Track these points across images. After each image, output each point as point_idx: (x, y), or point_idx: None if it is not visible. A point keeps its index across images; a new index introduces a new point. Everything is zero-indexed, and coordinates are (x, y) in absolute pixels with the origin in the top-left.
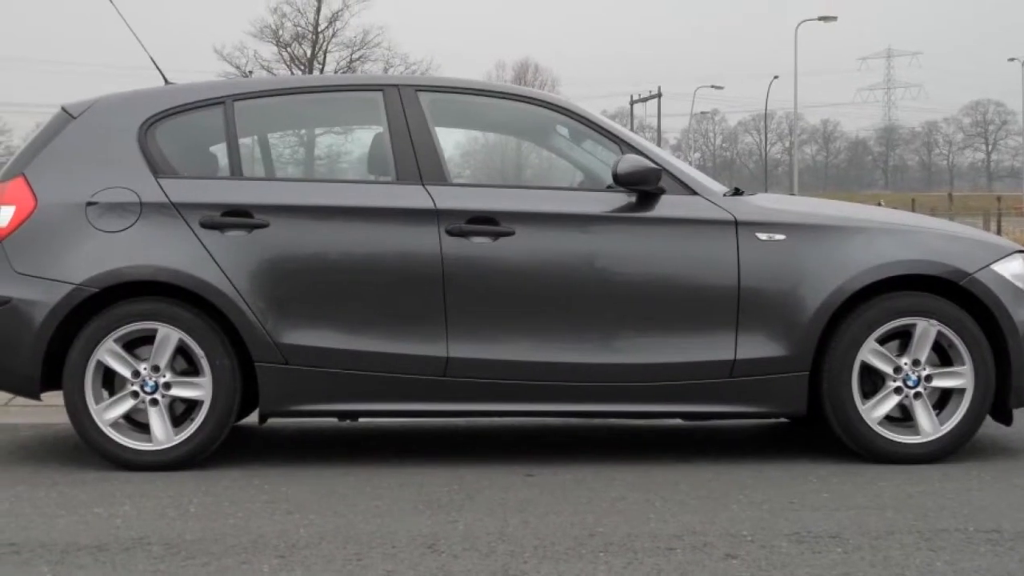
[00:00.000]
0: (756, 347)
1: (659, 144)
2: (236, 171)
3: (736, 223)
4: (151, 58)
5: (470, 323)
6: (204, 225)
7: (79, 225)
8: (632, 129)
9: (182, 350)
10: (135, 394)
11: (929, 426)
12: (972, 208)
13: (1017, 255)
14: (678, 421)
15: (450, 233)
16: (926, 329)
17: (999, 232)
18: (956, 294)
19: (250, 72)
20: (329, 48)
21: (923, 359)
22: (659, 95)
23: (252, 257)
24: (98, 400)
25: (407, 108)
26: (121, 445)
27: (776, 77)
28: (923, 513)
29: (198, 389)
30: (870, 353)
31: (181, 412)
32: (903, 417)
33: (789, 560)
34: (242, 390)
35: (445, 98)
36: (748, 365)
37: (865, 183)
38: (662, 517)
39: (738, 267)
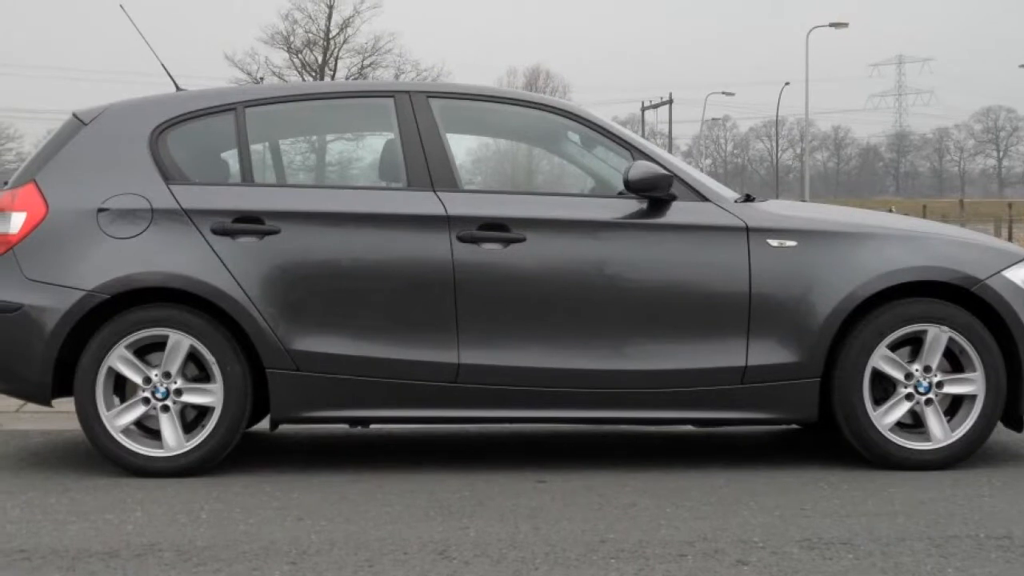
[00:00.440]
0: (767, 353)
1: (670, 150)
2: (247, 177)
3: (747, 229)
4: (162, 64)
5: (481, 329)
6: (215, 231)
7: (90, 231)
8: (643, 135)
9: (193, 356)
10: (146, 400)
11: (940, 432)
12: (983, 214)
13: None
14: (689, 427)
15: (461, 239)
16: (937, 335)
17: (1010, 238)
18: (967, 300)
19: (261, 78)
20: (340, 54)
21: (934, 365)
22: (670, 101)
23: (263, 263)
24: (109, 406)
25: (418, 114)
26: (132, 451)
27: (787, 83)
28: (934, 519)
29: (209, 395)
30: (881, 359)
31: (192, 418)
32: (914, 423)
33: (800, 566)
34: (253, 396)
35: (456, 104)
36: (759, 371)
37: (876, 189)
38: (673, 523)
39: (749, 273)
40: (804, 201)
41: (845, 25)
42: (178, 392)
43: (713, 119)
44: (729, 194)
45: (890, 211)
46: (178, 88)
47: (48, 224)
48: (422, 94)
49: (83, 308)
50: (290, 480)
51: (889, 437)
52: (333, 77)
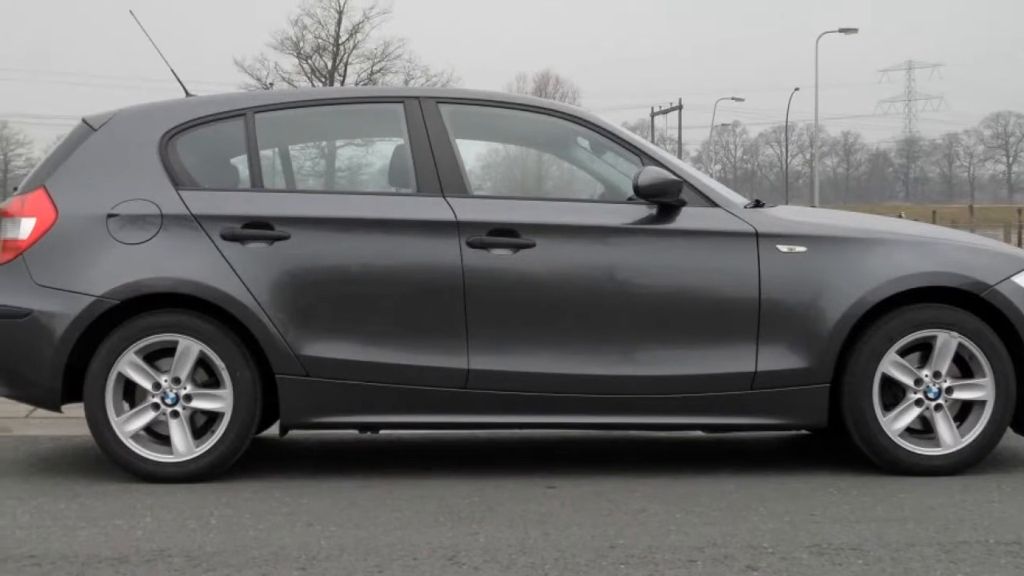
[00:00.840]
0: (777, 359)
1: (680, 156)
2: (257, 183)
3: (757, 235)
4: (172, 70)
5: (491, 335)
6: (225, 237)
7: (100, 237)
8: (653, 141)
9: (203, 362)
10: (156, 406)
11: (950, 438)
12: (993, 220)
13: None
14: (699, 433)
15: (471, 245)
16: (947, 341)
17: (1020, 244)
18: (977, 306)
19: (271, 84)
20: (350, 60)
21: (944, 371)
22: (680, 107)
23: (273, 269)
24: (119, 412)
25: (428, 120)
26: (142, 457)
27: (797, 89)
28: (944, 525)
29: (219, 401)
30: (891, 365)
31: (202, 424)
32: (924, 429)
33: (810, 572)
34: (263, 402)
35: (466, 110)
36: (769, 377)
37: (886, 195)
38: (683, 529)
39: (759, 279)
40: (814, 207)
41: (855, 31)
42: (188, 398)
43: (723, 124)
44: (739, 200)
45: (900, 217)
46: (188, 94)
47: (58, 230)
48: (432, 99)
49: (93, 314)
50: (300, 486)
51: (899, 443)
52: (343, 82)
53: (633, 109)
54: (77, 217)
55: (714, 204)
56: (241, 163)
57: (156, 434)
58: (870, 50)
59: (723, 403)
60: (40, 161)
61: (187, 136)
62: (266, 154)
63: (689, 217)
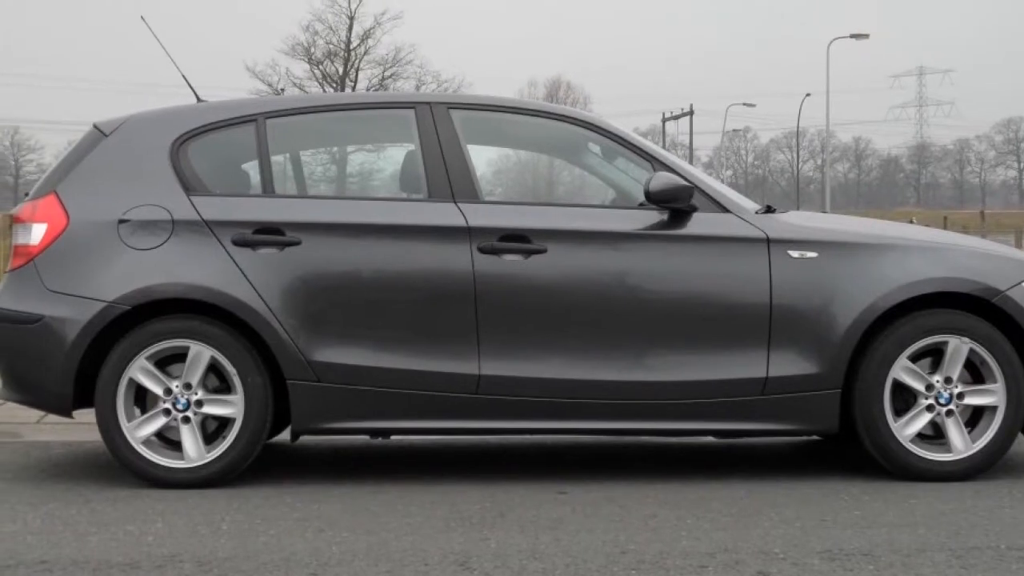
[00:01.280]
0: (788, 365)
1: (691, 162)
2: (268, 189)
3: (768, 240)
4: (183, 76)
5: (502, 341)
6: (236, 243)
7: (111, 243)
8: (664, 147)
9: (214, 368)
10: (167, 412)
11: (961, 444)
12: (1004, 226)
13: None
14: (710, 439)
15: (482, 251)
16: (958, 347)
17: None
18: (988, 312)
19: (282, 90)
20: (361, 66)
21: (955, 377)
22: (691, 113)
23: (284, 275)
24: (130, 418)
25: (439, 126)
26: (153, 463)
27: (808, 95)
28: (955, 531)
29: (230, 407)
30: (902, 371)
31: (213, 430)
32: (935, 435)
33: None
34: (274, 408)
35: (477, 116)
36: (780, 383)
37: (897, 201)
38: (694, 535)
39: (770, 284)
40: (825, 212)
41: (866, 36)
42: (199, 403)
43: (734, 130)
44: (750, 205)
45: (911, 222)
46: (199, 99)
47: (69, 235)
48: (443, 105)
49: (104, 319)
50: (311, 491)
51: (910, 448)
52: (354, 88)
53: (644, 115)
54: (88, 223)
55: (725, 210)
56: (252, 169)
57: (167, 440)
58: (881, 56)
59: (734, 409)
60: (51, 166)
61: (198, 142)
62: (277, 160)
63: (700, 223)
